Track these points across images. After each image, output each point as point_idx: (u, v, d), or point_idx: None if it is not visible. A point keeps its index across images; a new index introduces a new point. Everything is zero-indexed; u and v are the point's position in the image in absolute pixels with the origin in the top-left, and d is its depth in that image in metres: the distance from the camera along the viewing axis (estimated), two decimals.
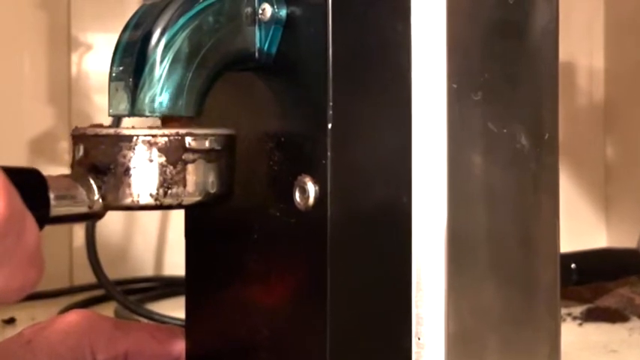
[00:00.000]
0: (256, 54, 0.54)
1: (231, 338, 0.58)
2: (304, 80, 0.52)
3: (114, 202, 0.51)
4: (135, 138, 0.51)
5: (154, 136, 0.51)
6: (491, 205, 0.53)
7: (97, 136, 0.52)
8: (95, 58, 1.26)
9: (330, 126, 0.50)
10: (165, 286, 1.23)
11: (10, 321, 1.02)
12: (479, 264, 0.53)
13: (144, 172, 0.51)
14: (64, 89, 1.25)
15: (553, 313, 0.56)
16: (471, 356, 0.52)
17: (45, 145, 1.24)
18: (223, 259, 0.58)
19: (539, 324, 0.55)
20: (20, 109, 1.23)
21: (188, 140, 0.52)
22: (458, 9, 0.51)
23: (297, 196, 0.51)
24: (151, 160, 0.51)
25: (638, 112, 1.39)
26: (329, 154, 0.50)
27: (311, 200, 0.50)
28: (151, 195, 0.51)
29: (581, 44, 1.43)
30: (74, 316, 0.62)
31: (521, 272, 0.54)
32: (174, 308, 0.99)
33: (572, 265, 1.16)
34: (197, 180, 0.52)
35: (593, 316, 1.02)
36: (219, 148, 0.53)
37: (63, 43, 1.25)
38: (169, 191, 0.51)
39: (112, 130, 0.52)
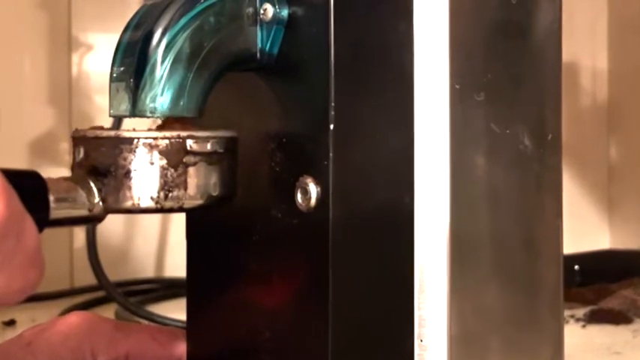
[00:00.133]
0: (258, 54, 0.54)
1: (233, 340, 0.57)
2: (306, 81, 0.52)
3: (114, 205, 0.51)
4: (136, 140, 0.51)
5: (154, 138, 0.51)
6: (493, 206, 0.53)
7: (97, 138, 0.51)
8: (96, 58, 1.26)
9: (331, 127, 0.50)
10: (166, 288, 1.23)
11: (11, 323, 1.02)
12: (481, 265, 0.52)
13: (144, 174, 0.51)
14: (65, 90, 1.25)
15: (556, 315, 0.55)
16: (473, 358, 0.52)
17: (45, 146, 1.24)
18: (225, 261, 0.58)
19: (542, 326, 0.55)
20: (21, 110, 1.23)
21: (189, 143, 0.51)
22: (460, 9, 0.51)
23: (299, 197, 0.51)
24: (152, 163, 0.51)
25: None
26: (331, 154, 0.50)
27: (313, 201, 0.50)
28: (151, 198, 0.51)
29: (585, 44, 1.43)
30: (75, 318, 0.62)
31: (524, 274, 0.54)
32: (176, 310, 0.99)
33: (576, 267, 1.16)
34: (198, 183, 0.52)
35: (596, 317, 1.02)
36: (221, 150, 0.53)
37: (63, 44, 1.25)
38: (170, 194, 0.51)
39: (112, 133, 0.51)
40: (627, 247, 1.37)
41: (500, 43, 0.53)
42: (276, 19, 0.53)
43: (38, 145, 1.23)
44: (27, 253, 0.42)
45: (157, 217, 1.29)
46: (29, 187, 0.47)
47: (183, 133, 0.52)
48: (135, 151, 0.51)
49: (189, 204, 0.52)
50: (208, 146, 0.52)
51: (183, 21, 0.51)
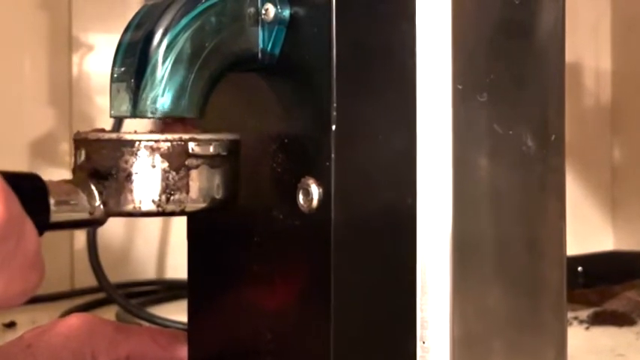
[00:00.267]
0: (259, 55, 0.53)
1: (234, 342, 0.57)
2: (308, 81, 0.52)
3: (115, 208, 0.51)
4: (137, 143, 0.51)
5: (156, 141, 0.51)
6: (496, 207, 0.53)
7: (98, 140, 0.51)
8: (96, 58, 1.25)
9: (333, 127, 0.49)
10: (167, 290, 1.23)
11: (11, 325, 1.02)
12: (484, 267, 0.52)
13: (146, 177, 0.51)
14: (65, 90, 1.25)
15: (559, 317, 0.55)
16: None
17: (46, 147, 1.23)
18: (226, 262, 0.58)
19: (545, 328, 0.55)
20: (21, 111, 1.23)
21: (191, 146, 0.51)
22: (463, 9, 0.51)
23: (301, 198, 0.50)
24: (154, 166, 0.51)
25: None
26: (333, 155, 0.49)
27: (314, 202, 0.50)
28: (153, 201, 0.51)
29: (588, 45, 1.43)
30: (75, 320, 0.62)
31: (527, 275, 0.54)
32: (177, 312, 0.99)
33: (579, 268, 1.16)
34: (200, 186, 0.52)
35: (599, 319, 1.02)
36: (224, 153, 0.53)
37: (64, 44, 1.25)
38: (172, 197, 0.51)
39: (114, 135, 0.51)
40: (631, 248, 1.37)
41: (503, 43, 0.53)
42: (277, 19, 0.53)
43: (38, 145, 1.23)
44: (27, 256, 0.42)
45: (157, 219, 1.29)
46: (29, 190, 0.46)
47: (185, 136, 0.51)
48: (136, 154, 0.51)
49: (191, 207, 0.52)
50: (211, 149, 0.52)
51: (184, 21, 0.51)
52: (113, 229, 1.25)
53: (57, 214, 0.48)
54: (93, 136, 0.52)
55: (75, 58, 1.26)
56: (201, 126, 0.53)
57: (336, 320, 0.50)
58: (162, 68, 0.51)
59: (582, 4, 1.40)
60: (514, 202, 0.53)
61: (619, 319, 1.02)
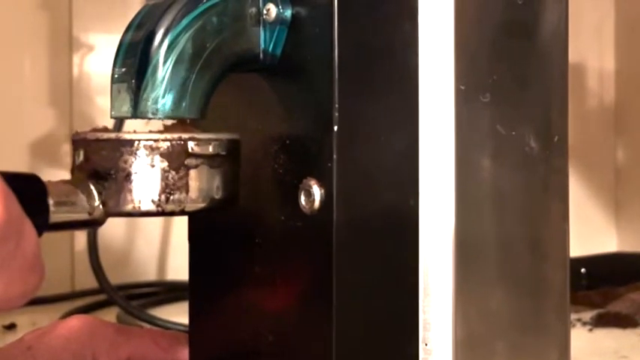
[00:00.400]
0: (261, 55, 0.53)
1: (236, 344, 0.57)
2: (309, 82, 0.52)
3: (115, 208, 0.51)
4: (136, 143, 0.51)
5: (155, 140, 0.51)
6: (499, 209, 0.52)
7: (97, 140, 0.51)
8: (97, 59, 1.25)
9: (335, 128, 0.49)
10: (168, 291, 1.23)
11: (11, 326, 1.01)
12: (487, 268, 0.52)
13: (145, 177, 0.51)
14: (66, 91, 1.25)
15: (562, 319, 0.55)
16: None
17: (46, 148, 1.23)
18: (227, 264, 0.58)
19: (548, 329, 0.55)
20: (21, 111, 1.23)
21: (191, 145, 0.51)
22: (466, 9, 0.51)
23: (303, 199, 0.50)
24: (153, 166, 0.51)
25: None
26: (334, 156, 0.49)
27: (316, 204, 0.50)
28: (152, 201, 0.51)
29: (592, 45, 1.43)
30: (76, 322, 0.62)
31: (530, 277, 0.54)
32: (178, 313, 0.99)
33: (582, 270, 1.16)
34: (200, 186, 0.52)
35: (603, 321, 1.02)
36: (223, 153, 0.53)
37: (64, 44, 1.25)
38: (171, 197, 0.51)
39: (113, 135, 0.51)
40: (634, 249, 1.37)
41: (505, 43, 0.53)
42: (279, 19, 0.53)
43: (39, 146, 1.23)
44: (26, 257, 0.42)
45: (158, 220, 1.29)
46: (28, 191, 0.46)
47: (185, 135, 0.51)
48: (136, 154, 0.51)
49: (190, 207, 0.52)
50: (210, 149, 0.52)
51: (185, 21, 0.51)
52: (114, 230, 1.25)
53: (56, 215, 0.48)
54: (92, 136, 0.52)
55: (75, 59, 1.26)
56: (202, 127, 0.53)
57: (337, 322, 0.50)
58: (163, 69, 0.51)
59: (586, 5, 1.40)
60: (517, 203, 0.53)
61: (622, 321, 1.01)
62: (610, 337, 0.97)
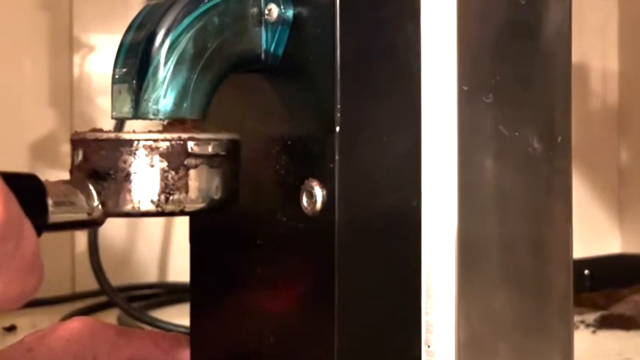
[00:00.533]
0: (262, 55, 0.53)
1: (237, 346, 0.57)
2: (311, 82, 0.51)
3: (114, 208, 0.51)
4: (136, 143, 0.50)
5: (155, 140, 0.51)
6: (502, 210, 0.52)
7: (97, 140, 0.51)
8: (98, 59, 1.25)
9: (337, 129, 0.49)
10: (169, 293, 1.23)
11: (11, 328, 1.01)
12: (490, 270, 0.52)
13: (145, 177, 0.51)
14: (66, 91, 1.25)
15: (566, 321, 0.55)
16: None
17: (46, 149, 1.23)
18: (229, 265, 0.58)
19: (551, 331, 0.55)
20: (21, 112, 1.23)
21: (190, 145, 0.51)
22: (469, 9, 0.51)
23: (305, 200, 0.50)
24: (152, 166, 0.51)
25: None
26: (336, 157, 0.49)
27: (318, 205, 0.50)
28: (152, 201, 0.51)
29: (595, 45, 1.43)
30: (76, 324, 0.62)
31: (533, 278, 0.54)
32: (179, 315, 0.99)
33: (586, 271, 1.16)
34: (200, 186, 0.52)
35: (606, 323, 1.02)
36: (223, 153, 0.52)
37: (65, 45, 1.25)
38: (171, 197, 0.51)
39: (112, 135, 0.51)
40: (638, 251, 1.37)
41: (508, 44, 0.53)
42: (281, 19, 0.52)
43: (39, 147, 1.23)
44: (25, 257, 0.42)
45: (159, 221, 1.29)
46: (27, 191, 0.46)
47: (184, 135, 0.51)
48: (135, 154, 0.50)
49: (190, 207, 0.52)
50: (210, 149, 0.52)
51: (186, 21, 0.51)
52: (115, 231, 1.25)
53: (55, 215, 0.48)
54: (91, 136, 0.51)
55: (76, 59, 1.26)
56: (202, 127, 0.53)
57: (339, 323, 0.49)
58: (164, 69, 0.51)
59: (589, 5, 1.40)
60: (520, 205, 0.53)
61: (626, 323, 1.01)
62: (613, 339, 0.97)
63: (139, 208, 0.51)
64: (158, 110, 0.51)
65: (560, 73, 0.55)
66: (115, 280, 1.14)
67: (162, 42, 0.51)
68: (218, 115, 0.55)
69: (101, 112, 1.23)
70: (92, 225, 0.51)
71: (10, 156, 1.19)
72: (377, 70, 0.51)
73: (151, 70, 0.51)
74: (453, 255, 0.50)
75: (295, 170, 0.52)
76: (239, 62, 0.53)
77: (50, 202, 0.48)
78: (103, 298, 1.15)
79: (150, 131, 0.51)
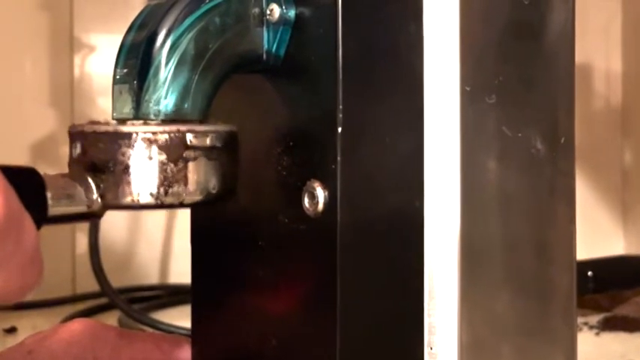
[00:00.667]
0: (264, 56, 0.53)
1: (239, 348, 0.57)
2: (313, 83, 0.51)
3: (113, 201, 0.50)
4: (134, 135, 0.50)
5: (154, 133, 0.50)
6: (505, 211, 0.52)
7: (95, 133, 0.51)
8: (98, 60, 1.25)
9: (339, 130, 0.49)
10: (170, 295, 1.23)
11: (12, 330, 1.01)
12: (493, 271, 0.52)
13: (144, 170, 0.50)
14: (67, 92, 1.25)
15: (569, 323, 0.55)
16: None
17: (46, 149, 1.23)
18: (230, 267, 0.58)
19: (554, 334, 0.54)
20: (22, 112, 1.23)
21: (189, 137, 0.51)
22: (472, 9, 0.51)
23: (306, 201, 0.50)
24: (151, 158, 0.50)
25: None
26: (339, 158, 0.49)
27: (320, 206, 0.50)
28: (151, 194, 0.51)
29: (598, 46, 1.43)
30: (77, 326, 0.62)
31: (536, 280, 0.54)
32: (180, 317, 1.00)
33: (589, 273, 1.16)
34: (198, 178, 0.52)
35: (610, 325, 1.02)
36: (220, 145, 0.52)
37: (65, 45, 1.25)
38: (170, 190, 0.51)
39: (110, 128, 0.51)
40: None
41: (511, 44, 0.53)
42: (282, 19, 0.52)
43: (39, 147, 1.23)
44: (26, 251, 0.41)
45: (160, 222, 1.29)
46: (26, 184, 0.46)
47: (183, 128, 0.51)
48: (134, 146, 0.50)
49: (189, 200, 0.52)
50: (208, 141, 0.52)
51: (187, 22, 0.51)
52: (115, 232, 1.25)
53: (54, 208, 0.48)
54: (89, 128, 0.51)
55: (76, 59, 1.26)
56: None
57: (342, 325, 0.49)
58: (165, 70, 0.51)
59: (593, 6, 1.40)
60: (523, 206, 0.53)
61: (630, 325, 1.01)
62: (617, 341, 0.97)
63: (138, 200, 0.51)
64: (159, 111, 0.51)
65: (564, 73, 0.55)
66: (116, 281, 1.14)
67: (163, 42, 0.51)
68: (219, 116, 0.54)
69: (102, 112, 1.22)
70: (91, 217, 0.51)
71: (10, 156, 1.18)
72: (379, 70, 0.50)
73: (152, 71, 0.51)
74: (456, 256, 0.50)
75: (297, 171, 0.52)
76: (240, 63, 0.53)
77: (49, 195, 0.48)
78: (103, 300, 1.15)
79: (148, 123, 0.51)
